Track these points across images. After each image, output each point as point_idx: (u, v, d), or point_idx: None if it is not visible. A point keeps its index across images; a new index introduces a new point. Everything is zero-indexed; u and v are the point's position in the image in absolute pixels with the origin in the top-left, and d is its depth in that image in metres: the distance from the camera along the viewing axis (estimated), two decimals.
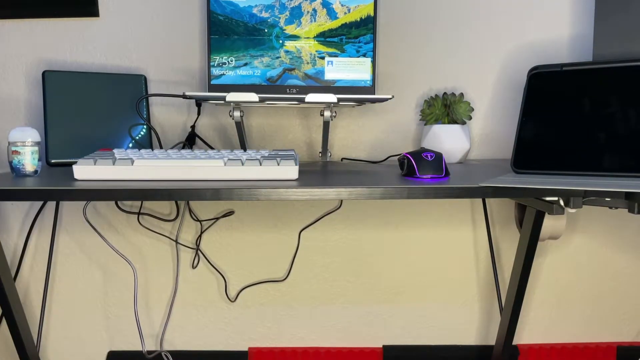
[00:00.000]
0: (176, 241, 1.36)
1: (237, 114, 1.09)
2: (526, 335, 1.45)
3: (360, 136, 1.36)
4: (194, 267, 1.38)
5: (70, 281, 1.37)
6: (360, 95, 1.18)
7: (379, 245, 1.40)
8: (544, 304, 1.44)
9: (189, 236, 1.37)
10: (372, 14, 1.20)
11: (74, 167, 0.84)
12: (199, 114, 1.31)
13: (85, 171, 0.84)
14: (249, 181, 0.83)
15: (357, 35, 1.20)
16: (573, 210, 0.81)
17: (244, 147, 1.19)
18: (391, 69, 1.34)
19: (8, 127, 1.31)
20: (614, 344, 1.45)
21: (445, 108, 1.26)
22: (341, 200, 1.36)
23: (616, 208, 0.85)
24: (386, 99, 1.05)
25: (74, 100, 1.17)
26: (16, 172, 0.91)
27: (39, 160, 0.93)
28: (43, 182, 0.83)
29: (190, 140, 1.30)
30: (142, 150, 0.95)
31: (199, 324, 1.41)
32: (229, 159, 0.86)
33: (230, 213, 1.36)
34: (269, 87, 1.20)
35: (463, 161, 1.24)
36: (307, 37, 1.20)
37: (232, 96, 1.02)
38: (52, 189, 0.78)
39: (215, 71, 1.19)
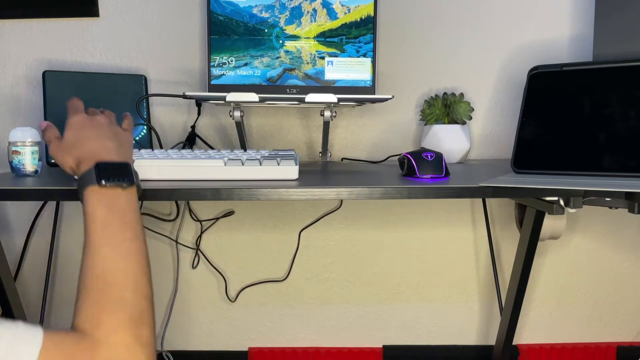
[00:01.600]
0: (176, 241, 1.36)
1: (237, 114, 1.09)
2: (526, 335, 1.45)
3: (360, 136, 1.36)
4: (194, 267, 1.38)
5: (70, 281, 1.37)
6: (360, 95, 1.18)
7: (379, 245, 1.40)
8: (544, 304, 1.44)
9: (189, 236, 1.37)
10: (372, 14, 1.20)
11: None
12: (199, 114, 1.31)
13: None
14: (249, 181, 0.83)
15: (357, 35, 1.20)
16: (573, 210, 0.81)
17: (244, 147, 1.19)
18: (391, 69, 1.34)
19: (8, 127, 1.31)
20: (614, 344, 1.45)
21: (445, 108, 1.26)
22: (341, 200, 1.36)
23: (616, 208, 0.85)
24: (386, 99, 1.05)
25: None
26: (16, 172, 0.91)
27: (39, 160, 0.93)
28: (43, 182, 0.83)
29: (190, 140, 1.30)
30: (142, 150, 0.95)
31: (199, 324, 1.41)
32: (229, 159, 0.86)
33: (230, 213, 1.36)
34: (269, 87, 1.20)
35: (463, 161, 1.24)
36: (307, 37, 1.20)
37: (232, 96, 1.02)
38: (52, 189, 0.78)
39: (215, 71, 1.19)
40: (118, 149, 0.73)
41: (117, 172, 0.67)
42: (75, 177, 0.71)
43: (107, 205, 0.65)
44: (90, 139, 0.72)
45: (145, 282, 0.63)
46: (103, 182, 0.65)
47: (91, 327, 0.56)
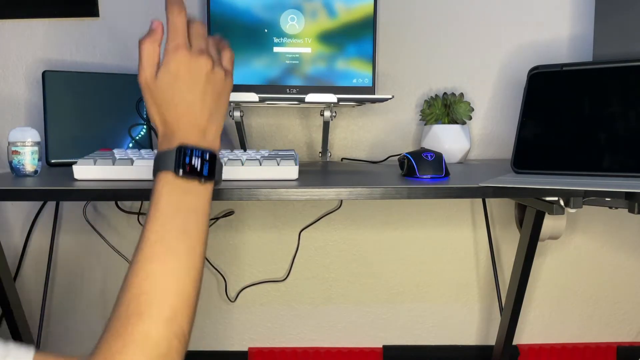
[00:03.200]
0: None
1: (237, 113, 1.09)
2: (526, 335, 1.45)
3: (360, 136, 1.36)
4: None
5: (70, 281, 1.37)
6: (360, 95, 1.18)
7: (379, 245, 1.40)
8: (544, 304, 1.44)
9: None
10: (372, 13, 1.20)
11: (74, 167, 0.84)
12: None
13: (85, 171, 0.84)
14: (249, 181, 0.83)
15: (357, 35, 1.20)
16: (573, 210, 0.81)
17: (244, 147, 1.19)
18: (391, 69, 1.34)
19: (8, 127, 1.31)
20: (614, 344, 1.45)
21: (445, 108, 1.26)
22: (341, 200, 1.36)
23: (616, 208, 0.84)
24: (386, 99, 1.05)
25: (74, 100, 1.17)
26: (16, 172, 0.91)
27: (39, 160, 0.93)
28: (43, 182, 0.83)
29: None
30: (142, 150, 0.95)
31: (199, 324, 1.41)
32: (228, 159, 0.86)
33: (230, 213, 1.36)
34: (269, 87, 1.20)
35: (463, 161, 1.24)
36: (307, 37, 1.20)
37: (232, 96, 1.02)
38: (52, 189, 0.78)
39: None
40: (209, 119, 0.62)
41: (199, 164, 0.59)
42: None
43: (175, 203, 0.58)
44: (184, 99, 0.61)
45: (185, 312, 0.55)
46: (180, 171, 0.58)
47: None
